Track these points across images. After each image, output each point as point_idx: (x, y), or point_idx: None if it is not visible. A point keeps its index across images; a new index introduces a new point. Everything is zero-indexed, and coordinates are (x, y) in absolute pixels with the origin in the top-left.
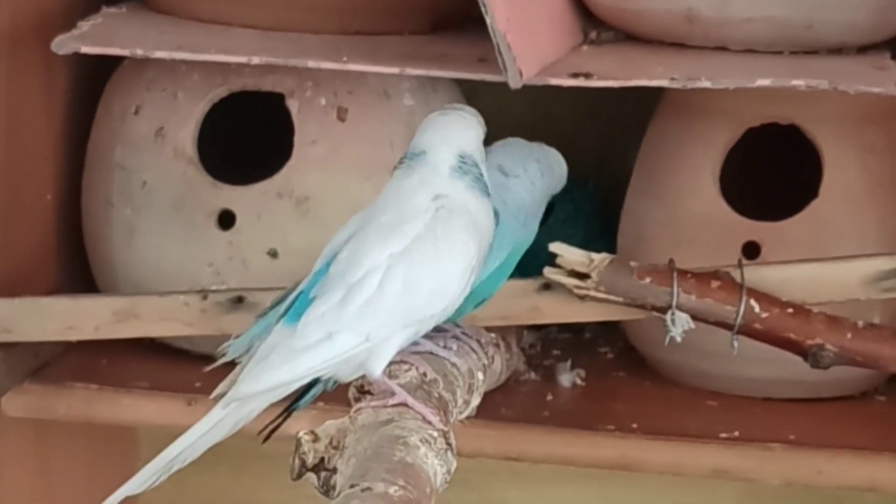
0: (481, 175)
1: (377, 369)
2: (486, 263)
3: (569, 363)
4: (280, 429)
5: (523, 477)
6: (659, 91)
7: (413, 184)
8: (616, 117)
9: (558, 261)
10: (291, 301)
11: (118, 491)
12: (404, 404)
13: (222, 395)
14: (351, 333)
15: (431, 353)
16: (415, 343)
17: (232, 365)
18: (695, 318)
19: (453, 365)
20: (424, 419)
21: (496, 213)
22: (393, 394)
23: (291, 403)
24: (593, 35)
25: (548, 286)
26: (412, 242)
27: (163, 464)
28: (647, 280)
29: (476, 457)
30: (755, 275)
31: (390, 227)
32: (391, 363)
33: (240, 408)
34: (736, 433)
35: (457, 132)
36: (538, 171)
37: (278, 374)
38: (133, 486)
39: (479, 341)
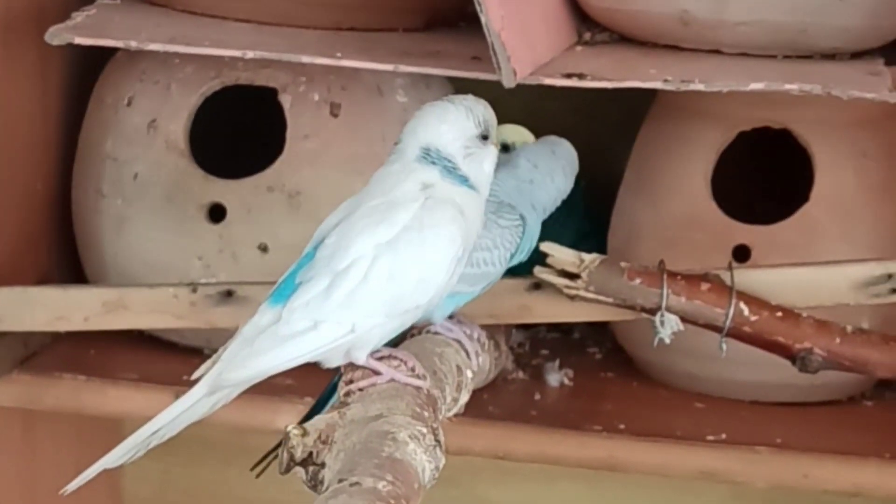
0: (454, 167)
1: (362, 356)
2: (509, 264)
3: (557, 363)
4: (268, 422)
5: (510, 475)
6: (652, 92)
7: (396, 169)
8: (609, 118)
9: (549, 260)
10: (279, 283)
11: (97, 463)
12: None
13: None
14: (336, 323)
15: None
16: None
17: None
18: (684, 320)
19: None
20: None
21: (523, 219)
22: (379, 373)
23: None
24: (588, 36)
25: (538, 285)
26: (399, 232)
27: (141, 439)
28: (637, 281)
29: (463, 454)
30: (745, 278)
31: (378, 215)
32: (381, 358)
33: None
34: (723, 435)
35: (426, 125)
36: (561, 173)
37: (264, 361)
38: (111, 459)
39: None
